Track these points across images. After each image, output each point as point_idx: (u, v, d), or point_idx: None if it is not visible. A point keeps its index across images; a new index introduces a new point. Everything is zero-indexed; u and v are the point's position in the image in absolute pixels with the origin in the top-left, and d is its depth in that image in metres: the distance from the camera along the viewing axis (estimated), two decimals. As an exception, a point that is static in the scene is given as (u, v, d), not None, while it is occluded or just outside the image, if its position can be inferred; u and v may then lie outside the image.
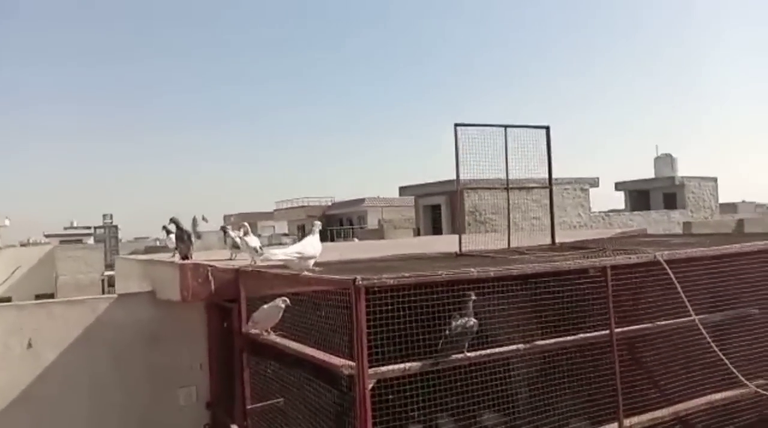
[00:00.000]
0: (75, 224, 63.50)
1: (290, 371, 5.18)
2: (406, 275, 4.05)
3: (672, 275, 4.95)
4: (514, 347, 4.54)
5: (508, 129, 7.05)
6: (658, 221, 26.03)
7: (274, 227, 53.20)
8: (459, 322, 4.22)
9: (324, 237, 5.35)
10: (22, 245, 44.21)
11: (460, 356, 4.25)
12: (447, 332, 4.20)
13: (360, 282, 3.82)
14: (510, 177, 7.19)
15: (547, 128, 7.24)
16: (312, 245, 4.99)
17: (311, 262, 4.96)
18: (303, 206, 51.31)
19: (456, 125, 6.47)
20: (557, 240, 7.56)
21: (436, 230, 28.83)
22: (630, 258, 5.01)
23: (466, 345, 4.28)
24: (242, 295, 5.73)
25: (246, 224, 6.47)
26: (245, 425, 5.65)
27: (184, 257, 6.47)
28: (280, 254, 4.96)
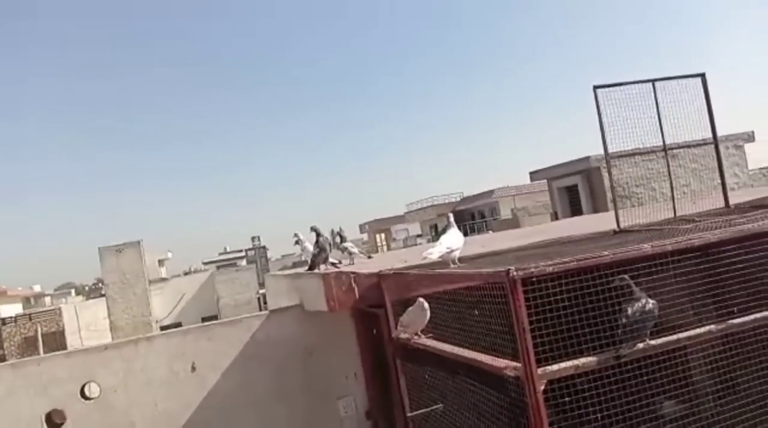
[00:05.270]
0: (228, 249, 68.61)
1: (448, 375, 4.85)
2: (566, 259, 3.56)
3: None
4: (705, 329, 3.86)
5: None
6: (833, 171, 22.56)
7: (407, 229, 53.58)
8: (636, 307, 3.64)
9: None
10: (185, 274, 48.51)
11: (642, 345, 3.66)
12: (624, 320, 3.63)
13: (514, 273, 3.40)
14: (659, 139, 6.35)
15: (703, 76, 6.31)
16: (455, 238, 4.75)
17: (456, 254, 4.71)
18: (433, 205, 51.12)
19: (595, 87, 5.78)
20: (730, 202, 6.56)
21: (575, 211, 27.31)
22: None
23: (648, 332, 3.69)
24: (387, 299, 5.51)
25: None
26: (408, 433, 5.42)
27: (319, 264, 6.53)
28: (435, 252, 4.79)
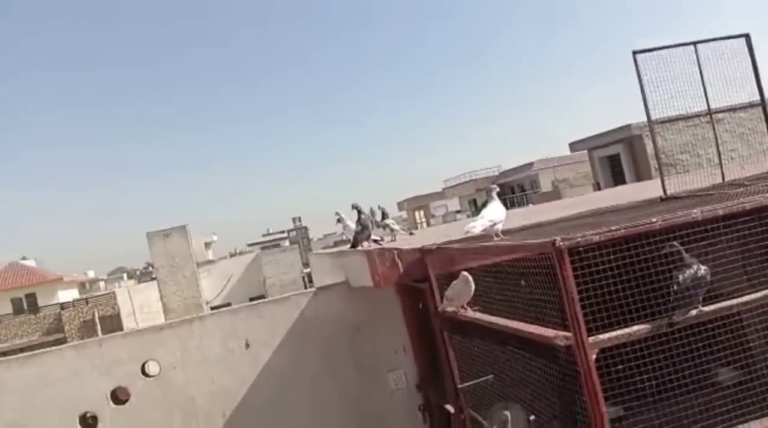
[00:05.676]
0: (271, 231, 69.86)
1: (497, 346, 4.89)
2: (613, 228, 3.53)
3: None
4: (760, 294, 3.78)
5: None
6: None
7: (446, 205, 53.37)
8: (688, 273, 3.59)
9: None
10: (231, 255, 49.60)
11: (695, 312, 3.62)
12: (675, 287, 3.59)
13: (561, 243, 3.39)
14: (703, 104, 6.16)
15: (747, 36, 6.07)
16: (498, 211, 4.73)
17: (499, 227, 4.71)
18: (472, 180, 50.70)
19: (635, 52, 5.64)
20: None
21: (618, 181, 26.76)
22: None
23: (701, 299, 3.65)
24: (431, 274, 5.57)
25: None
26: (459, 404, 5.50)
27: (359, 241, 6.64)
28: (478, 226, 4.77)
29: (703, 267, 3.65)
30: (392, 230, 7.43)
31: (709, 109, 6.12)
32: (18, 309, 38.97)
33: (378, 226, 7.27)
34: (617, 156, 26.93)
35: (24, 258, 46.12)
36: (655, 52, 5.82)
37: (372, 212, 7.25)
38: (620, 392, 3.74)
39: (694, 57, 6.06)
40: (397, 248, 5.79)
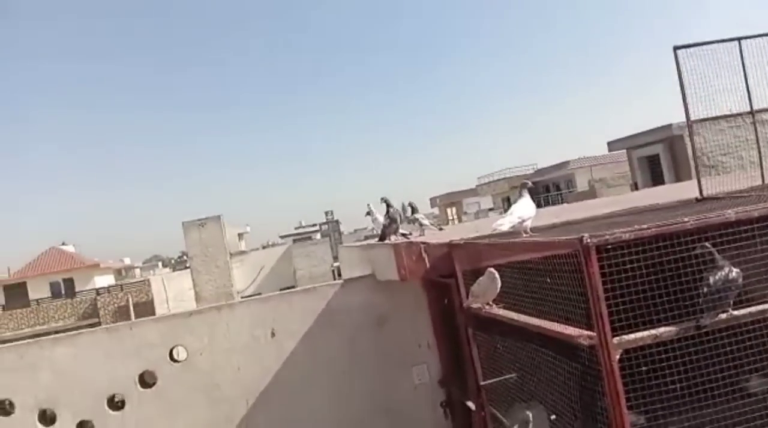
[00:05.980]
0: (303, 223, 70.57)
1: (521, 344, 4.84)
2: (644, 226, 3.45)
3: None
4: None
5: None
6: None
7: (479, 202, 53.00)
8: (719, 275, 3.49)
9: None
10: (263, 247, 50.22)
11: (725, 315, 3.52)
12: (705, 289, 3.50)
13: (588, 240, 3.33)
14: (746, 104, 5.97)
15: (796, 32, 5.84)
16: (527, 208, 4.69)
17: (528, 224, 4.67)
18: (505, 178, 50.27)
19: (675, 48, 5.49)
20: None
21: (657, 182, 26.15)
22: None
23: (731, 302, 3.54)
24: (457, 269, 5.53)
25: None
26: (480, 402, 5.47)
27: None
28: (506, 223, 4.73)
29: (735, 269, 3.55)
30: (421, 225, 7.40)
31: (751, 109, 5.92)
32: (56, 293, 40.32)
33: (409, 222, 7.26)
34: (657, 157, 26.33)
35: (63, 243, 47.52)
36: (696, 48, 5.66)
37: (403, 208, 7.24)
38: (643, 394, 3.67)
39: (738, 54, 5.87)
40: (424, 242, 5.77)
